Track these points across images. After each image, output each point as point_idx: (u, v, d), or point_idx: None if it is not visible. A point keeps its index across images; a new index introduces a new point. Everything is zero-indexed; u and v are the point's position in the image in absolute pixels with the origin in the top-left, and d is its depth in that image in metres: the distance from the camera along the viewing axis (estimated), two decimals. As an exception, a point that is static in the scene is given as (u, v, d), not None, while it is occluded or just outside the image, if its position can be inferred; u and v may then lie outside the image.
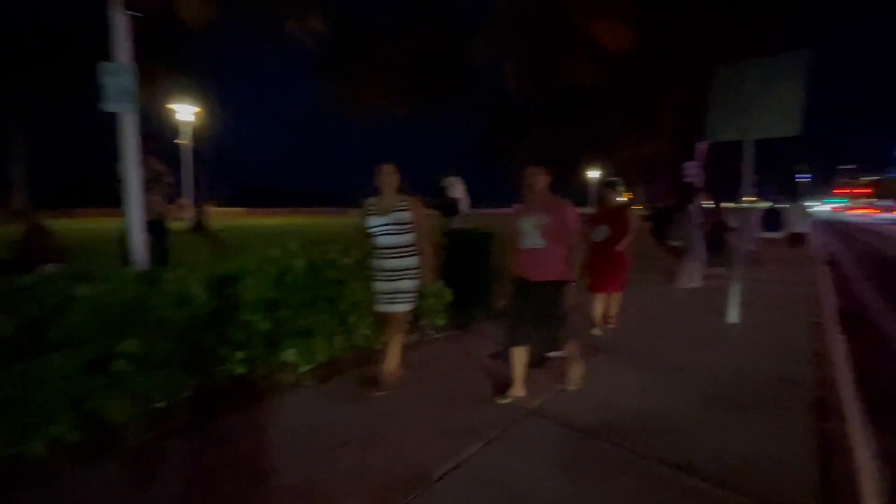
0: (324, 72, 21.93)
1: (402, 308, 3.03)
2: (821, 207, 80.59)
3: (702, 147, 25.15)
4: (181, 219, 16.39)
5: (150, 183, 4.25)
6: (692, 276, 7.17)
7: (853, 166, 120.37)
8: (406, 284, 3.00)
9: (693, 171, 25.65)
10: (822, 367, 3.70)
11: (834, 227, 30.93)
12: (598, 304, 4.54)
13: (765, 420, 2.76)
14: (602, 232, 4.39)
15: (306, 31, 16.25)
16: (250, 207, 51.00)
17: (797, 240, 11.79)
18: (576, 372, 3.21)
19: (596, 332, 4.47)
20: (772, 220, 11.97)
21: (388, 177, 2.97)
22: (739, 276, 5.04)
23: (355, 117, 24.75)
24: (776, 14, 18.89)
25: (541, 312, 2.85)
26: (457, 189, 4.48)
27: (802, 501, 2.03)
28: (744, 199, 5.28)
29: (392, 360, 3.10)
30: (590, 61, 19.46)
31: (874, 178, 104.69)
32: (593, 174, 49.76)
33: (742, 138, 4.89)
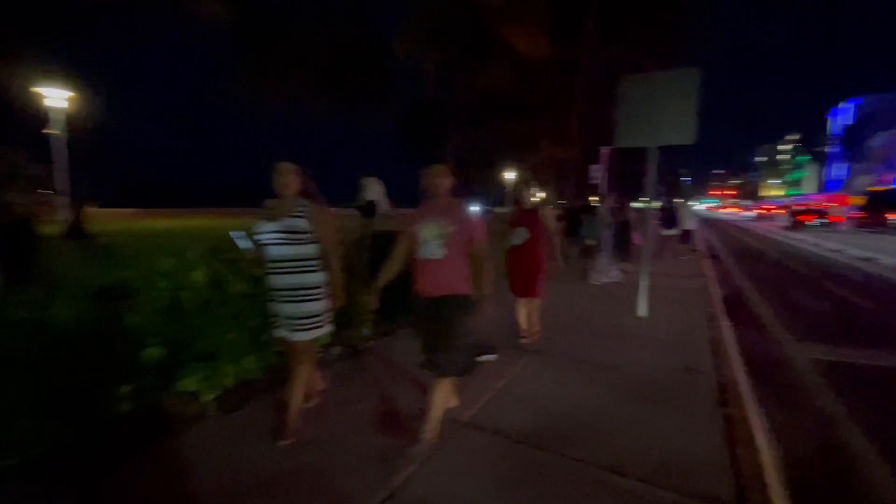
0: (235, 61, 20.18)
1: (306, 337, 2.51)
2: (699, 207, 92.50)
3: (605, 151, 27.21)
4: (54, 222, 13.95)
5: (3, 178, 3.45)
6: (607, 271, 7.68)
7: (722, 171, 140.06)
8: (310, 307, 2.48)
9: (598, 174, 27.63)
10: (718, 353, 4.10)
11: (709, 223, 35.61)
12: (522, 310, 4.32)
13: (679, 411, 2.94)
14: (520, 234, 4.13)
15: (206, 16, 14.77)
16: (141, 208, 45.41)
17: (687, 236, 13.22)
18: (435, 416, 2.53)
19: (524, 341, 4.30)
20: (668, 218, 13.14)
21: (285, 177, 2.45)
22: (647, 273, 5.44)
23: (267, 111, 23.19)
24: (666, 32, 21.30)
25: (441, 331, 2.47)
26: (374, 190, 4.14)
27: (720, 488, 2.16)
28: (640, 199, 5.75)
29: (296, 402, 2.58)
30: (505, 66, 20.18)
31: (738, 181, 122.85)
32: (510, 175, 51.98)
33: (646, 145, 5.29)
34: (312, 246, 2.50)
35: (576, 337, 4.62)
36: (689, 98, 4.94)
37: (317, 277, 2.52)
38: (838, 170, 56.67)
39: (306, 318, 2.49)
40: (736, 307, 6.42)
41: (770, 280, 8.79)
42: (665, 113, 5.06)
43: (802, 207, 32.74)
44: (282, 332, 2.57)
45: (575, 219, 10.29)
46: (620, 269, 7.88)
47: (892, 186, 32.36)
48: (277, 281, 2.47)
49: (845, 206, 46.94)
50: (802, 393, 3.44)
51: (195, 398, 2.80)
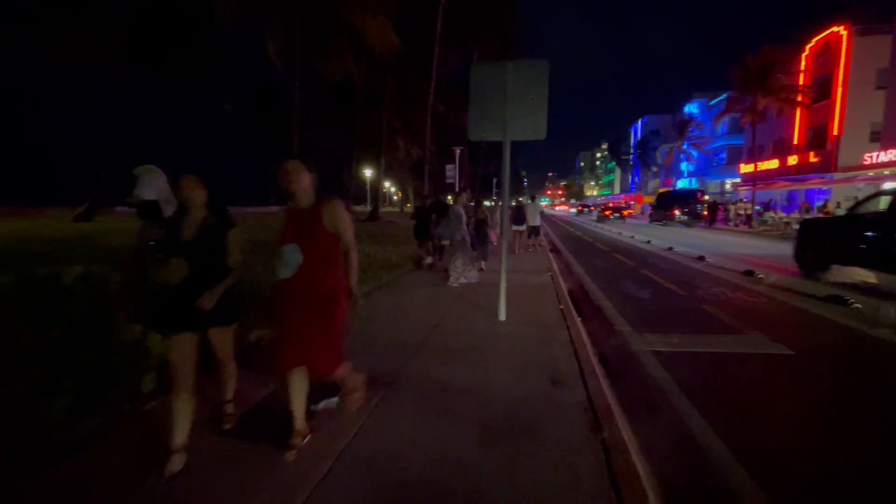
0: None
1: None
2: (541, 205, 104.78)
3: (458, 151, 27.90)
4: None
5: None
6: (463, 272, 7.35)
7: (552, 173, 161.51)
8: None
9: (452, 173, 28.26)
10: (577, 356, 3.93)
11: (546, 219, 40.08)
12: (297, 391, 2.69)
13: (554, 446, 2.49)
14: (291, 258, 3.18)
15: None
16: None
17: (534, 231, 14.22)
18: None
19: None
20: (518, 215, 13.94)
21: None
22: (505, 274, 5.15)
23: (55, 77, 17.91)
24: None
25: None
26: (152, 186, 2.65)
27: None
28: (493, 197, 5.50)
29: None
30: (354, 55, 19.06)
31: (565, 182, 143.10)
32: (369, 173, 50.69)
33: (499, 139, 4.97)
34: None
35: (435, 355, 4.00)
36: (540, 90, 4.75)
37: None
38: (636, 174, 70.02)
39: None
40: (581, 301, 6.71)
41: (602, 271, 9.70)
42: (517, 106, 4.79)
43: (604, 205, 46.33)
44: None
45: (425, 218, 9.82)
46: (479, 268, 7.69)
47: (673, 188, 40.90)
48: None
49: (640, 204, 57.98)
50: (660, 399, 3.37)
51: None
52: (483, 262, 8.15)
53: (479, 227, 8.54)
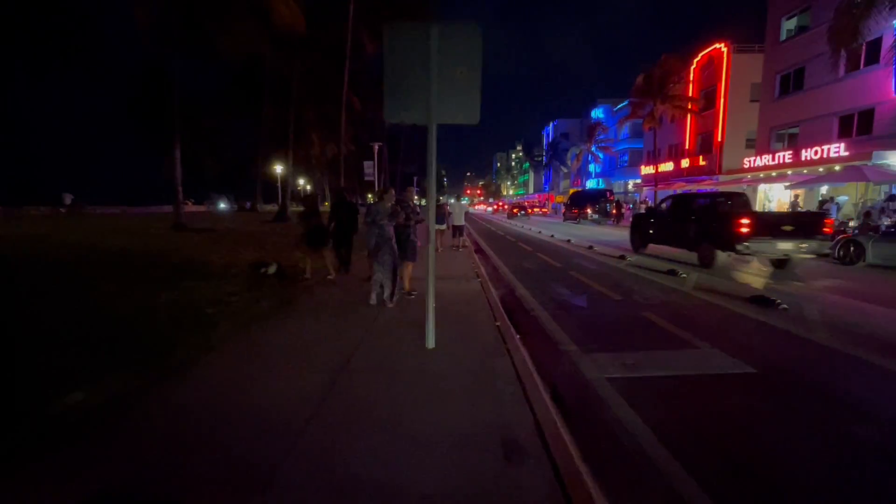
0: None
1: None
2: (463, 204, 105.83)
3: (377, 147, 26.41)
4: None
5: None
6: (380, 285, 6.19)
7: (470, 172, 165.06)
8: None
9: (371, 170, 26.68)
10: (527, 397, 3.07)
11: (476, 225, 40.19)
12: None
13: None
14: None
15: None
16: None
17: (458, 230, 13.54)
18: None
19: None
20: (438, 214, 13.25)
21: None
22: (433, 292, 4.14)
23: None
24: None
25: None
26: None
27: None
28: (416, 196, 4.46)
29: None
30: (256, 31, 16.73)
31: (483, 182, 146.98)
32: (280, 169, 47.01)
33: (422, 122, 3.95)
34: None
35: (339, 421, 2.87)
36: (471, 62, 3.81)
37: None
38: (548, 175, 73.63)
39: None
40: (516, 311, 5.96)
41: (531, 274, 9.16)
42: (444, 81, 3.81)
43: (511, 204, 53.68)
44: None
45: (335, 221, 7.85)
46: (400, 277, 6.54)
47: (583, 189, 43.22)
48: None
49: (552, 203, 60.93)
50: (639, 460, 2.60)
51: None
52: (407, 276, 6.73)
53: (404, 231, 7.38)
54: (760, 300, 6.23)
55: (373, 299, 5.86)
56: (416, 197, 11.82)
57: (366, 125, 40.76)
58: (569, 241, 16.61)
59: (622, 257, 11.43)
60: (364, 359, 3.90)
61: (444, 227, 13.18)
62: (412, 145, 55.73)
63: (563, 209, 38.47)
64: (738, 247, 8.96)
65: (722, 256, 9.57)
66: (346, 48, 22.56)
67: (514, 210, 45.88)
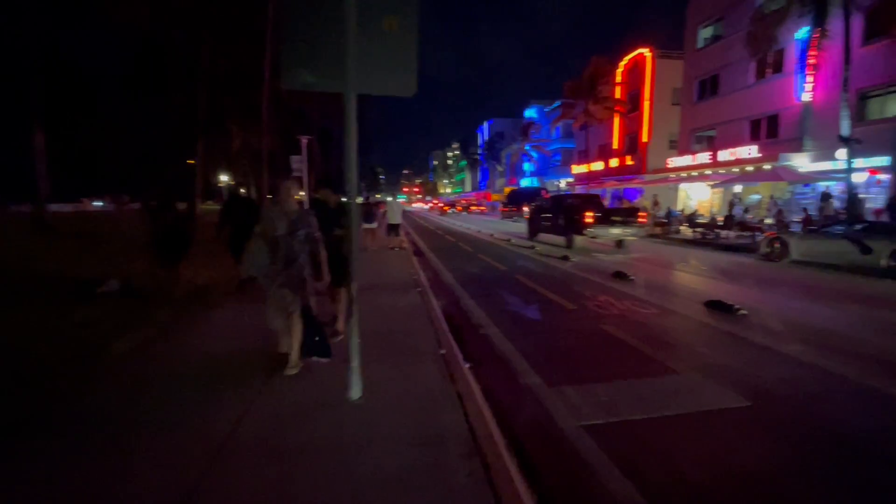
0: None
1: None
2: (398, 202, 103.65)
3: (305, 141, 24.44)
4: None
5: None
6: (281, 338, 4.61)
7: (407, 170, 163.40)
8: None
9: (298, 165, 24.64)
10: (490, 479, 2.16)
11: (413, 221, 39.03)
12: None
13: None
14: None
15: None
16: None
17: (394, 229, 12.73)
18: None
19: None
20: (368, 213, 12.36)
21: None
22: (356, 326, 3.08)
23: None
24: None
25: None
26: None
27: None
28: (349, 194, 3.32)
29: None
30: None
31: (420, 180, 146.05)
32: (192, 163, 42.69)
33: (339, 90, 2.88)
34: None
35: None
36: (405, 11, 2.81)
37: None
38: (484, 173, 74.45)
39: None
40: (464, 329, 5.07)
41: (475, 280, 8.35)
42: (368, 37, 2.77)
43: (442, 203, 58.13)
44: None
45: (229, 225, 6.13)
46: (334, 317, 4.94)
47: (519, 187, 43.83)
48: None
49: (490, 201, 61.65)
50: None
51: None
52: (342, 314, 4.48)
53: (334, 245, 5.00)
54: (717, 305, 5.90)
55: (283, 346, 3.67)
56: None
57: (297, 118, 37.90)
58: (509, 240, 16.15)
59: (565, 258, 11.03)
60: (254, 425, 2.76)
61: (374, 225, 12.25)
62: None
63: (500, 207, 38.70)
64: (585, 232, 12.90)
65: (578, 239, 13.38)
66: (265, 30, 20.44)
67: (445, 208, 50.71)
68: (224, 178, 47.27)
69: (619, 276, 8.25)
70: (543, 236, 15.66)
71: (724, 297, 6.23)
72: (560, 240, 14.05)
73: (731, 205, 17.41)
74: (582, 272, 9.09)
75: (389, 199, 13.77)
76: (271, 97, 29.97)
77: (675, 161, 24.33)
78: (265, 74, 19.60)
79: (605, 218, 12.88)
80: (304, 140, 25.85)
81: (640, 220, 13.47)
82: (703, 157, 21.86)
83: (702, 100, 23.83)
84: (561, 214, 14.09)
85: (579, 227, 12.88)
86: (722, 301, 5.93)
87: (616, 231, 12.97)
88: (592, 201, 14.42)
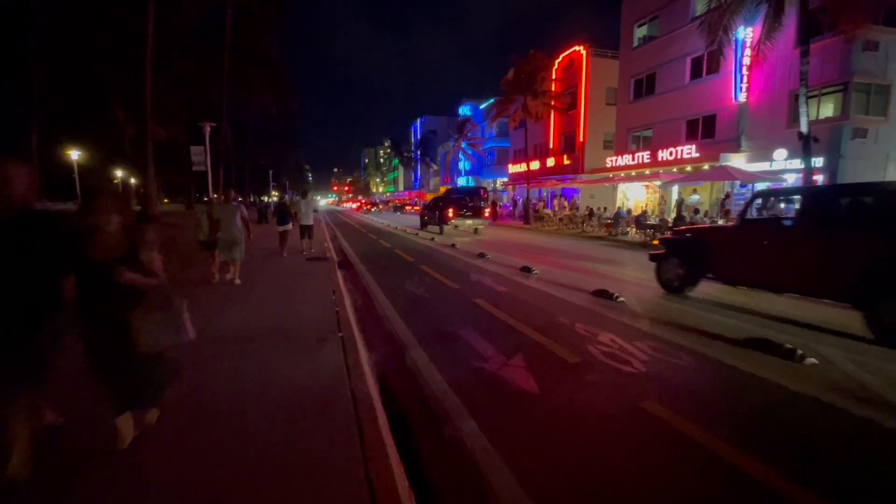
0: None
1: None
2: (323, 202, 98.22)
3: (208, 129, 20.43)
4: None
5: None
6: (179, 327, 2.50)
7: (338, 169, 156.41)
8: None
9: (200, 157, 20.55)
10: None
11: (337, 218, 35.71)
12: None
13: None
14: None
15: None
16: None
17: (307, 231, 11.18)
18: None
19: None
20: (281, 213, 10.86)
21: None
22: None
23: None
24: None
25: None
26: None
27: None
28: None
29: None
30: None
31: (351, 179, 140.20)
32: (76, 155, 35.87)
33: None
34: None
35: None
36: None
37: None
38: (417, 172, 72.33)
39: None
40: (422, 442, 2.87)
41: (422, 307, 6.17)
42: None
43: (362, 202, 68.12)
44: None
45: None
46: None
47: (454, 186, 42.24)
48: None
49: (423, 200, 59.65)
50: None
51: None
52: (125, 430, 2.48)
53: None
54: (758, 343, 4.28)
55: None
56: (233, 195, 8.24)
57: (203, 105, 32.64)
58: (453, 245, 14.14)
59: (525, 269, 9.22)
60: None
61: (289, 227, 10.67)
62: (265, 133, 48.40)
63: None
64: (450, 223, 18.98)
65: (446, 228, 19.30)
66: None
67: (369, 206, 60.51)
68: (120, 173, 40.33)
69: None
70: (430, 227, 20.87)
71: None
72: (436, 228, 19.83)
73: (679, 205, 16.90)
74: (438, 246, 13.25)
75: (298, 197, 12.30)
76: (177, 83, 25.35)
77: (614, 161, 23.95)
78: (148, 42, 15.83)
79: (460, 212, 19.03)
80: (207, 127, 21.96)
81: (484, 214, 19.83)
82: (643, 157, 21.55)
83: (638, 99, 23.64)
84: (436, 211, 20.10)
85: (445, 219, 19.02)
86: (765, 339, 4.31)
87: (469, 221, 19.05)
88: (458, 200, 19.85)
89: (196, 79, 28.95)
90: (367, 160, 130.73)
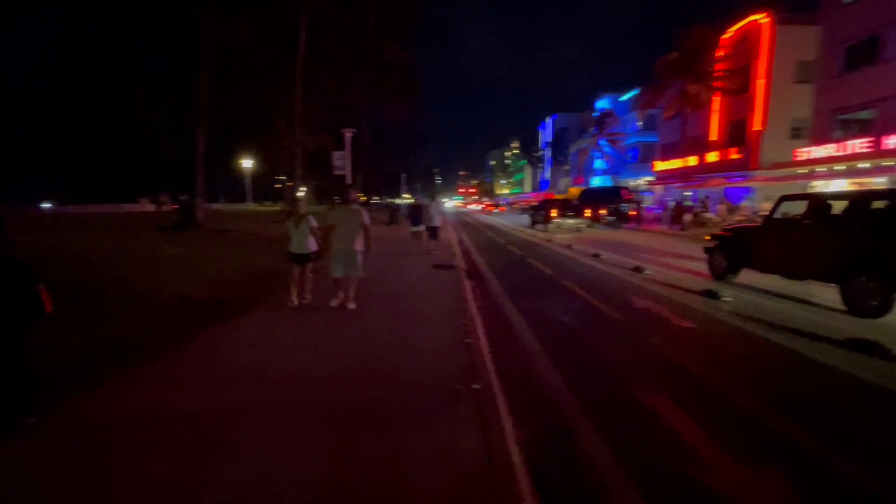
0: None
1: None
2: (450, 204, 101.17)
3: (349, 136, 21.45)
4: None
5: None
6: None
7: (464, 171, 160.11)
8: None
9: (341, 163, 21.61)
10: None
11: (461, 219, 35.57)
12: None
13: None
14: None
15: None
16: None
17: (433, 232, 11.50)
18: None
19: None
20: (415, 215, 11.70)
21: None
22: None
23: None
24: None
25: None
26: None
27: None
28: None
29: None
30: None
31: (477, 181, 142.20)
32: (249, 164, 42.00)
33: None
34: None
35: None
36: None
37: None
38: (546, 172, 69.44)
39: None
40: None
41: (579, 351, 4.66)
42: None
43: (487, 203, 70.36)
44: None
45: None
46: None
47: (588, 186, 38.85)
48: None
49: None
50: None
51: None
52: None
53: None
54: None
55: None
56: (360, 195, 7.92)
57: (344, 112, 35.30)
58: (597, 255, 12.07)
59: (708, 293, 6.95)
60: None
61: (421, 228, 11.30)
62: (398, 137, 51.02)
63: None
64: (553, 222, 21.52)
65: (550, 227, 21.41)
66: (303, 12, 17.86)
67: (490, 207, 61.19)
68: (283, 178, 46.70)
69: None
70: (538, 225, 22.86)
71: None
72: (543, 227, 21.84)
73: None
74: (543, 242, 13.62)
75: (427, 200, 13.19)
76: (320, 92, 27.59)
77: (808, 152, 18.78)
78: (297, 59, 17.10)
79: (563, 212, 21.34)
80: (348, 134, 23.27)
81: (585, 214, 21.62)
82: (858, 146, 16.33)
83: (851, 70, 18.12)
84: (541, 211, 23.07)
85: (548, 218, 21.50)
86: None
87: (571, 221, 21.17)
88: (560, 202, 23.27)
89: (338, 91, 31.31)
90: (492, 162, 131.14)
